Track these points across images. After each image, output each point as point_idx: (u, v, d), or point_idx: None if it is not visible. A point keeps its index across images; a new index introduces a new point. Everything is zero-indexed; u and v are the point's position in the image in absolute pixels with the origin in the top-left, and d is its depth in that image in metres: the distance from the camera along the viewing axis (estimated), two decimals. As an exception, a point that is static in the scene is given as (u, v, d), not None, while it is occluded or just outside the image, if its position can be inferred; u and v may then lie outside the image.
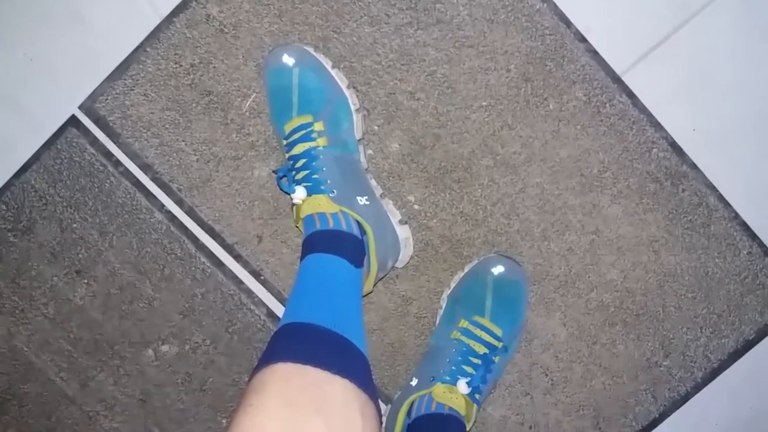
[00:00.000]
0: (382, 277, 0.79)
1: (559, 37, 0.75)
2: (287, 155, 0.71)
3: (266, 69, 0.72)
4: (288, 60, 0.70)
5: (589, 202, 0.79)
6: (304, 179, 0.69)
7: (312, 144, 0.69)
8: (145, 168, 0.79)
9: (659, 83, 0.77)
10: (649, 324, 0.81)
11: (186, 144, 0.78)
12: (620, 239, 0.79)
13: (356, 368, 0.52)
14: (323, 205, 0.67)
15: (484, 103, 0.77)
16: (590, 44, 0.76)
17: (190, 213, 0.80)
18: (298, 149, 0.69)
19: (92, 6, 0.77)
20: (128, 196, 0.80)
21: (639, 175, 0.78)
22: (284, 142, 0.71)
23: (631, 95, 0.77)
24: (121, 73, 0.77)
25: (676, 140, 0.78)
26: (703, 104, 0.78)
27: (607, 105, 0.77)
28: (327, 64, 0.72)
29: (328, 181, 0.68)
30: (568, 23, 0.75)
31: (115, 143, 0.79)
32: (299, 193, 0.68)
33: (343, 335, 0.54)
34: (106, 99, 0.78)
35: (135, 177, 0.80)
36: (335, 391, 0.48)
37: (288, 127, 0.70)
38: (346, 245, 0.66)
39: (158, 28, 0.76)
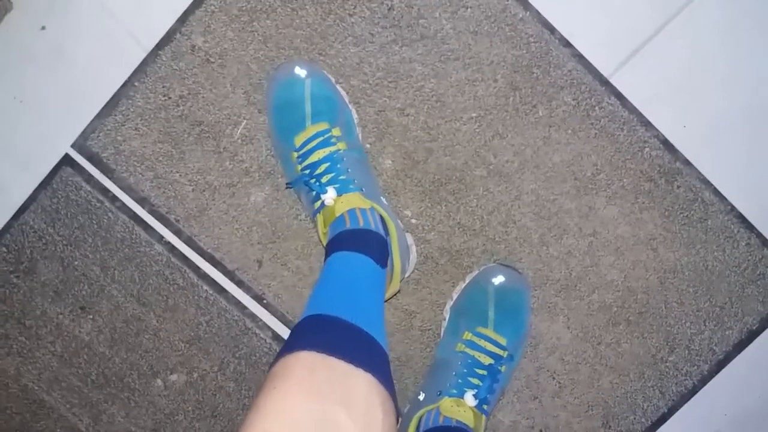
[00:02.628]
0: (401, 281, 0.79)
1: (544, 44, 0.75)
2: (301, 166, 0.70)
3: (274, 84, 0.71)
4: (300, 72, 0.70)
5: (585, 205, 0.79)
6: (330, 182, 0.68)
7: (333, 148, 0.69)
8: (142, 201, 0.80)
9: (647, 83, 0.77)
10: (652, 321, 0.82)
11: (180, 175, 0.79)
12: (618, 239, 0.80)
13: (378, 364, 0.52)
14: (356, 201, 0.67)
15: (473, 115, 0.77)
16: (575, 49, 0.76)
17: (189, 242, 0.81)
18: (318, 155, 0.69)
19: (76, 44, 0.77)
20: (127, 230, 0.80)
21: (633, 175, 0.78)
22: (295, 155, 0.71)
23: (619, 96, 0.77)
24: (111, 109, 0.77)
25: (668, 138, 0.78)
26: (692, 100, 0.78)
27: (597, 108, 0.77)
28: (332, 79, 0.73)
29: (356, 180, 0.68)
30: (552, 30, 0.76)
31: (110, 179, 0.79)
32: (330, 194, 0.68)
33: (366, 330, 0.54)
34: (98, 136, 0.78)
35: (132, 211, 0.80)
36: (358, 384, 0.48)
37: (300, 139, 0.70)
38: (373, 244, 0.66)
39: (144, 62, 0.76)
